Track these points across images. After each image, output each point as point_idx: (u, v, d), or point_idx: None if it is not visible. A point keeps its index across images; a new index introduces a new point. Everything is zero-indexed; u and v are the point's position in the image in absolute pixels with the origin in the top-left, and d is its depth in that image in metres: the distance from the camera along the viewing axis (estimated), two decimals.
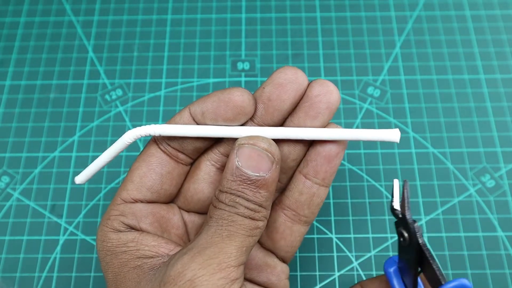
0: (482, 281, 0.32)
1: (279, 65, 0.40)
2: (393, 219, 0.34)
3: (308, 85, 0.25)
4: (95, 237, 0.34)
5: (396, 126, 0.37)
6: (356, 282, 0.32)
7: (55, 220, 0.35)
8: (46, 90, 0.39)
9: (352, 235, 0.34)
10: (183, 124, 0.25)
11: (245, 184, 0.23)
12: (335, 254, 0.33)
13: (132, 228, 0.25)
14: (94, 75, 0.40)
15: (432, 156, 0.36)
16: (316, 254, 0.33)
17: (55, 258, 0.34)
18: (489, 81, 0.39)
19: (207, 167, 0.27)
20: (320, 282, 0.33)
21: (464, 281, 0.21)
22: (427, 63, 0.40)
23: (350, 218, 0.34)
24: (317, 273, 0.33)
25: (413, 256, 0.23)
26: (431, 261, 0.22)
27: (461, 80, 0.39)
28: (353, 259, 0.33)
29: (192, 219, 0.27)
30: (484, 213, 0.34)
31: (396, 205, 0.24)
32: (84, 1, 0.43)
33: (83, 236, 0.34)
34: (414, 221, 0.23)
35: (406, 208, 0.23)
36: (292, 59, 0.40)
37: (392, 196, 0.24)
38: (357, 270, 0.33)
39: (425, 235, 0.34)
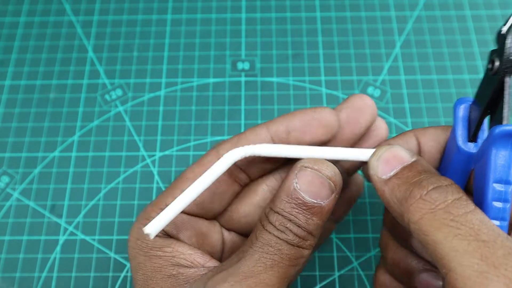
0: None
1: (279, 65, 0.40)
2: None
3: None
4: (94, 237, 0.34)
5: (396, 126, 0.37)
6: (356, 282, 0.32)
7: (55, 220, 0.35)
8: (46, 90, 0.39)
9: (352, 235, 0.34)
10: (261, 142, 0.24)
11: (299, 209, 0.22)
12: (335, 254, 0.33)
13: (169, 236, 0.24)
14: (94, 75, 0.40)
15: None
16: (316, 254, 0.33)
17: (55, 258, 0.34)
18: None
19: (264, 192, 0.26)
20: (320, 282, 0.33)
21: None
22: (427, 63, 0.40)
23: (350, 218, 0.34)
24: (317, 273, 0.33)
25: (490, 92, 0.22)
26: (505, 99, 0.21)
27: (462, 80, 0.39)
28: (353, 259, 0.33)
29: (232, 239, 0.27)
30: None
31: (504, 30, 0.22)
32: (84, 1, 0.43)
33: (83, 236, 0.34)
34: None
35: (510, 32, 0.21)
36: (292, 59, 0.40)
37: (506, 22, 0.22)
38: (357, 270, 0.33)
39: None
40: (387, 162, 0.22)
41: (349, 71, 0.40)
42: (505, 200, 0.21)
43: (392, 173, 0.22)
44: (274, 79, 0.39)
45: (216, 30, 0.42)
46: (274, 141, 0.24)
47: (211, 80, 0.40)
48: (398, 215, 0.21)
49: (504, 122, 0.21)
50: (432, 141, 0.25)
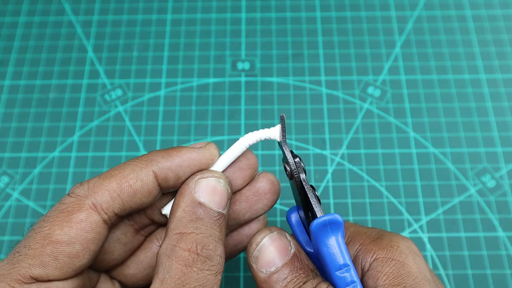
0: (482, 281, 0.32)
1: (279, 65, 0.40)
2: (393, 219, 0.34)
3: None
4: None
5: (396, 126, 0.37)
6: None
7: None
8: (45, 90, 0.39)
9: None
10: (143, 189, 0.22)
11: (211, 221, 0.21)
12: None
13: None
14: (93, 75, 0.40)
15: (433, 156, 0.36)
16: None
17: None
18: (489, 81, 0.39)
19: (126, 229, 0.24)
20: None
21: (336, 216, 0.21)
22: (427, 63, 0.40)
23: (350, 218, 0.34)
24: None
25: (298, 194, 0.23)
26: (308, 195, 0.22)
27: (462, 80, 0.39)
28: None
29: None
30: (485, 213, 0.34)
31: (278, 139, 0.24)
32: (84, 1, 0.43)
33: None
34: (296, 156, 0.23)
35: (283, 142, 0.23)
36: (292, 59, 0.40)
37: (281, 132, 0.24)
38: None
39: (426, 235, 0.34)
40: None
41: (349, 71, 0.40)
42: (352, 282, 0.21)
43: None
44: (274, 79, 0.39)
45: (216, 30, 0.42)
46: (162, 187, 0.22)
47: (211, 80, 0.39)
48: None
49: (318, 214, 0.22)
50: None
